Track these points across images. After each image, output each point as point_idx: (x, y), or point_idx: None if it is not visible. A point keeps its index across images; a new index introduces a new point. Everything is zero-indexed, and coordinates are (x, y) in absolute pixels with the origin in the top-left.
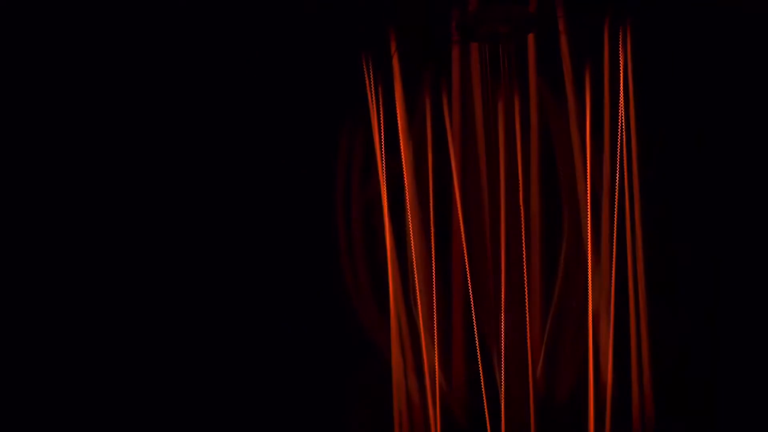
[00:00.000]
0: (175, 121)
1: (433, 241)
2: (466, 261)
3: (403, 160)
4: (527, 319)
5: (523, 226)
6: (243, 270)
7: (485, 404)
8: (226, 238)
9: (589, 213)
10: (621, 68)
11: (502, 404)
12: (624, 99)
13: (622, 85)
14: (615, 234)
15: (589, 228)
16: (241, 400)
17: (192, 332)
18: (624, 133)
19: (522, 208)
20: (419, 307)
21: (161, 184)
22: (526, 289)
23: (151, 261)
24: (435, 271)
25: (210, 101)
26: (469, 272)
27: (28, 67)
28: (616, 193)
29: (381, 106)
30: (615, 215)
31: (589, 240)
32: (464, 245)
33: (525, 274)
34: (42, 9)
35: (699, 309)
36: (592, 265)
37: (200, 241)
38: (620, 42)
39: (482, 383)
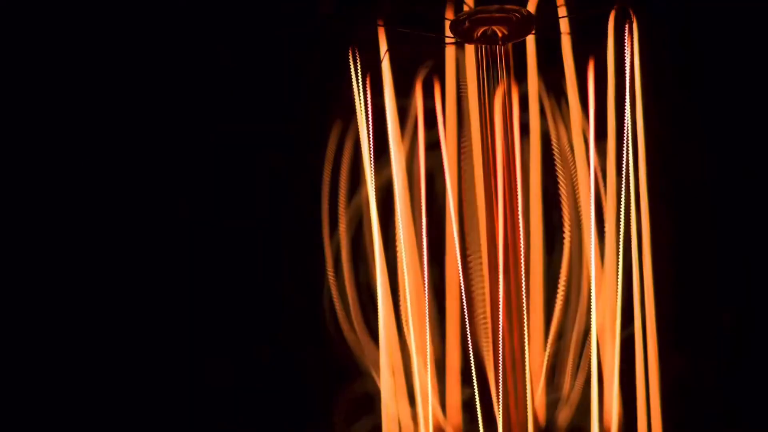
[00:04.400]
0: (153, 124)
1: (425, 255)
2: (461, 276)
3: (393, 168)
4: (527, 340)
5: (522, 240)
6: (221, 286)
7: None
8: (204, 250)
9: (593, 225)
10: (627, 69)
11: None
12: (630, 102)
13: (628, 87)
14: (621, 248)
15: (593, 241)
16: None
17: (169, 354)
18: (631, 139)
19: (521, 219)
20: (411, 326)
21: (138, 186)
22: (525, 308)
23: (118, 273)
24: (428, 287)
25: (187, 105)
26: (465, 289)
27: None
28: (622, 204)
29: (370, 110)
30: (621, 228)
31: (593, 255)
32: (459, 259)
33: (524, 292)
34: None
35: (713, 330)
36: (596, 282)
37: (173, 256)
38: (625, 42)
39: (478, 409)
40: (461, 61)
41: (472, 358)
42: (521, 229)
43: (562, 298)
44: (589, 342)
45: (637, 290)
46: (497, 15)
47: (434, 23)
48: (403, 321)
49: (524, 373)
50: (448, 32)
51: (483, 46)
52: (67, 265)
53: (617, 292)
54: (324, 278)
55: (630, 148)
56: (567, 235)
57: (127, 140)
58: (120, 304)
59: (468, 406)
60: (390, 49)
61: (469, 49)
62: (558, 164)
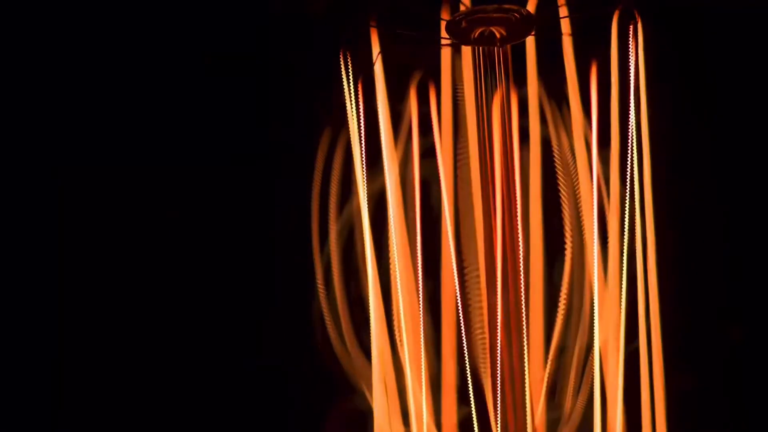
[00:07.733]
0: (137, 130)
1: (420, 267)
2: (458, 290)
3: (386, 176)
4: (526, 356)
5: (521, 251)
6: (209, 300)
7: None
8: (192, 263)
9: (595, 235)
10: (631, 72)
11: None
12: (635, 107)
13: (632, 91)
14: (625, 260)
15: (595, 253)
16: None
17: (156, 368)
18: (635, 146)
19: (520, 230)
20: (404, 342)
21: (122, 197)
22: (524, 323)
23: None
24: (422, 301)
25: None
26: (461, 302)
27: None
28: (626, 214)
29: (362, 115)
30: (625, 239)
31: (595, 267)
32: (455, 272)
33: (524, 306)
34: None
35: (720, 345)
36: (598, 295)
37: (160, 269)
38: (630, 44)
39: (476, 429)
40: (458, 64)
41: (469, 376)
42: (520, 239)
43: (563, 311)
44: (592, 358)
45: (641, 303)
46: (495, 15)
47: (430, 24)
48: (397, 337)
49: (524, 391)
50: (444, 33)
51: (480, 47)
52: (59, 265)
53: (621, 305)
54: (314, 292)
55: (634, 155)
56: (568, 246)
57: (112, 144)
58: (107, 314)
59: (465, 425)
60: (383, 51)
61: (466, 51)
62: (559, 172)
